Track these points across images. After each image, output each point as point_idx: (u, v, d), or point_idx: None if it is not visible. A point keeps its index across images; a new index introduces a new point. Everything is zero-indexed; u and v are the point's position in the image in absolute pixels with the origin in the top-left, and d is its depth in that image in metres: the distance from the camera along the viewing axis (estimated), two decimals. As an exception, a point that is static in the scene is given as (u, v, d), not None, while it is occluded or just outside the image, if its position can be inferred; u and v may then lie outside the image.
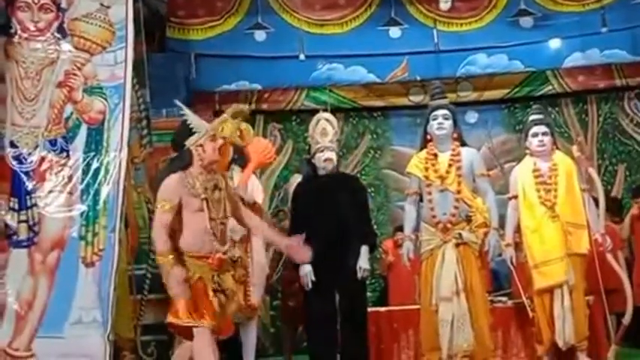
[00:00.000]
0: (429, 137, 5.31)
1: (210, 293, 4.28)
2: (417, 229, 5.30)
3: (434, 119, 5.25)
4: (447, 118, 5.24)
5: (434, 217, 5.13)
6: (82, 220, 5.42)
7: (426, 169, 5.21)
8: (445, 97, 5.48)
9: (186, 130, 4.50)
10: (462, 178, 5.14)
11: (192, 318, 4.21)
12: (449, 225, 5.08)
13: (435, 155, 5.23)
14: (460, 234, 5.05)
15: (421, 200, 5.30)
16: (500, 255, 5.43)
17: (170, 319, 4.29)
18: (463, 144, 5.32)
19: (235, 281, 4.45)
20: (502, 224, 5.41)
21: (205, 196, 4.32)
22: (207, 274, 4.29)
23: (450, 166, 5.16)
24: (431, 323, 5.03)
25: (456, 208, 5.09)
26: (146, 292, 6.19)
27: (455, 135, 5.27)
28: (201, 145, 4.38)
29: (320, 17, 7.63)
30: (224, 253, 4.33)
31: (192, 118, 4.49)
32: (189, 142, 4.44)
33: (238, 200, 4.73)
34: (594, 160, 8.00)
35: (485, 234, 5.14)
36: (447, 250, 5.04)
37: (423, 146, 5.35)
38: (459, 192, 5.10)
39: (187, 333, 4.31)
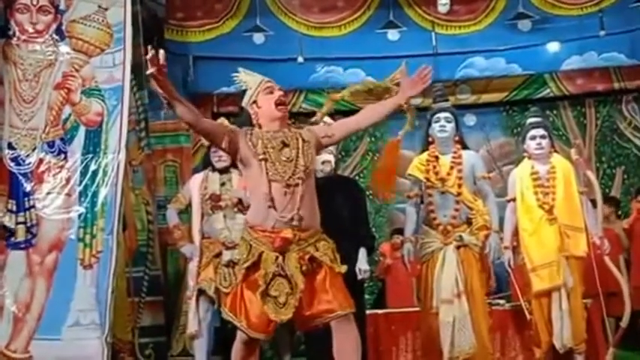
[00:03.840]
0: (430, 140, 5.31)
1: (263, 286, 3.62)
2: (417, 231, 5.30)
3: (436, 122, 5.25)
4: (449, 121, 5.24)
5: (434, 219, 5.13)
6: (80, 222, 5.43)
7: (427, 171, 5.21)
8: (447, 100, 5.49)
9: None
10: (463, 180, 5.13)
11: (236, 314, 3.70)
12: (449, 227, 5.08)
13: (437, 157, 5.23)
14: (461, 236, 5.05)
15: (422, 202, 5.29)
16: (499, 258, 5.43)
17: (222, 309, 3.90)
18: (465, 147, 5.32)
19: (302, 264, 3.66)
20: (501, 227, 5.41)
21: (265, 156, 3.70)
22: (269, 253, 3.65)
23: (451, 168, 5.16)
24: (431, 326, 5.02)
25: (456, 210, 5.09)
26: (144, 294, 6.20)
27: (457, 138, 5.28)
28: (255, 102, 3.90)
29: (318, 20, 7.63)
30: (298, 223, 3.64)
31: (242, 77, 4.00)
32: (244, 102, 3.96)
33: (323, 132, 3.99)
34: (592, 163, 8.00)
35: (486, 236, 5.14)
36: (447, 253, 5.03)
37: (425, 148, 5.35)
38: (459, 194, 5.10)
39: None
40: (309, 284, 3.69)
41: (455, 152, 5.22)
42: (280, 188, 3.68)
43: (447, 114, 5.26)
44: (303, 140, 3.84)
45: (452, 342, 4.91)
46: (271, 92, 3.87)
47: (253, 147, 3.76)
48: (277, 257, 3.64)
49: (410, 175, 5.38)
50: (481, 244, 5.09)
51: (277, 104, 3.84)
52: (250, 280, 3.70)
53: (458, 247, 5.04)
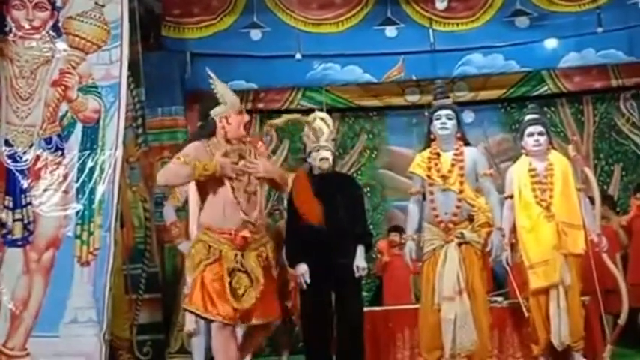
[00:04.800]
0: (432, 137, 5.29)
1: (226, 278, 4.04)
2: (420, 229, 5.28)
3: (437, 119, 5.23)
4: (450, 118, 5.21)
5: (436, 216, 5.11)
6: (77, 219, 5.42)
7: (429, 168, 5.19)
8: (448, 97, 5.47)
9: (213, 100, 4.37)
10: (465, 177, 5.11)
11: (207, 310, 4.05)
12: (451, 225, 5.06)
13: (438, 155, 5.21)
14: (462, 233, 5.03)
15: (424, 199, 5.28)
16: (498, 255, 5.40)
17: (186, 305, 4.21)
18: (467, 143, 5.30)
19: (260, 261, 4.17)
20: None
21: None
22: (228, 252, 4.09)
23: (452, 165, 5.14)
24: (432, 323, 5.00)
25: (458, 207, 5.07)
26: (142, 291, 6.19)
27: (458, 135, 5.26)
28: (226, 118, 4.26)
29: (316, 16, 7.61)
30: (253, 225, 4.10)
31: (221, 88, 4.33)
32: (214, 113, 4.29)
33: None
34: (590, 160, 8.00)
35: (488, 234, 5.12)
36: (449, 250, 5.01)
37: (427, 146, 5.34)
38: (461, 192, 5.07)
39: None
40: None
41: (456, 149, 5.20)
42: (241, 194, 4.12)
43: (449, 111, 5.24)
44: (257, 156, 4.31)
45: (453, 339, 4.90)
46: (241, 113, 4.30)
47: (212, 156, 4.18)
48: (236, 254, 4.07)
49: (411, 172, 5.37)
50: (483, 241, 5.09)
51: (245, 125, 4.31)
52: (212, 275, 4.06)
53: (459, 245, 5.03)
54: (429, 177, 5.18)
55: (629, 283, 6.16)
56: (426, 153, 5.27)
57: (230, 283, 4.05)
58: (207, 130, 4.41)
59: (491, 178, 5.30)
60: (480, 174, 5.19)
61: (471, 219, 5.11)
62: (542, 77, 8.04)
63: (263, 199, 4.38)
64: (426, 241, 5.16)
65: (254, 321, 4.20)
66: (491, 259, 5.26)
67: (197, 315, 4.22)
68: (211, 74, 4.45)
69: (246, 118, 4.26)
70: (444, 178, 5.12)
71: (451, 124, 5.20)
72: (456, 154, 5.18)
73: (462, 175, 5.11)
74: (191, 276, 4.26)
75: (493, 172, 5.56)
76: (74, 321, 5.24)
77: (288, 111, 8.24)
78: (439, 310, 4.95)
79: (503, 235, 5.25)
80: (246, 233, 4.07)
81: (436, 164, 5.17)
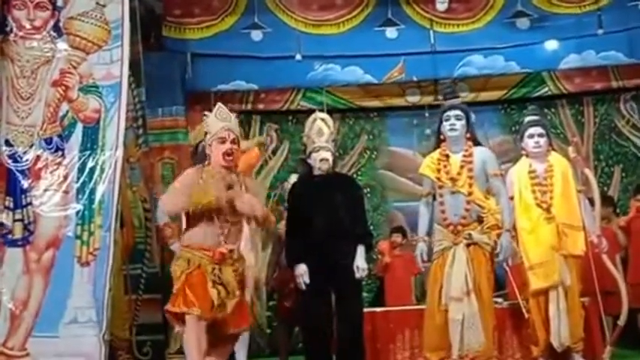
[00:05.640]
0: (442, 137, 5.28)
1: (209, 284, 4.26)
2: (430, 231, 5.26)
3: (446, 120, 5.20)
4: (459, 119, 5.18)
5: (445, 219, 5.10)
6: (77, 219, 5.41)
7: (438, 170, 5.17)
8: (457, 97, 5.44)
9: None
10: (474, 179, 5.09)
11: (186, 305, 4.24)
12: (460, 227, 5.04)
13: (447, 156, 5.19)
14: (470, 234, 5.01)
15: (434, 200, 5.26)
16: (504, 258, 5.36)
17: (167, 306, 4.37)
18: (477, 143, 5.29)
19: (236, 276, 4.40)
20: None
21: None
22: (206, 266, 4.29)
23: (461, 167, 5.12)
24: (438, 323, 4.99)
25: (467, 210, 5.05)
26: (141, 291, 6.19)
27: (468, 135, 5.24)
28: (210, 145, 4.43)
29: (317, 17, 7.63)
30: (230, 251, 4.33)
31: (209, 120, 4.49)
32: (206, 140, 4.50)
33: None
34: (590, 161, 8.01)
35: (498, 236, 5.10)
36: (457, 251, 5.00)
37: (437, 146, 5.32)
38: (470, 194, 5.06)
39: (182, 319, 4.34)
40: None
41: (466, 150, 5.18)
42: (224, 224, 4.32)
43: (457, 111, 5.20)
44: (246, 187, 4.44)
45: (461, 339, 4.89)
46: (223, 142, 4.39)
47: (204, 183, 4.33)
48: (214, 268, 4.29)
49: (421, 174, 5.36)
50: (493, 243, 5.05)
51: (224, 155, 4.37)
52: (194, 281, 4.27)
53: (467, 245, 5.02)
54: (438, 179, 5.16)
55: (629, 283, 6.16)
56: (436, 154, 5.25)
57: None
58: (199, 158, 4.67)
59: (501, 178, 5.26)
60: (490, 174, 5.16)
61: (480, 220, 5.08)
62: (543, 78, 8.06)
63: (243, 224, 4.59)
64: (435, 241, 5.15)
65: (230, 331, 4.44)
66: (498, 260, 5.22)
67: (176, 315, 4.32)
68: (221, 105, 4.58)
69: (227, 146, 4.37)
70: (453, 180, 5.10)
71: (460, 124, 5.17)
72: (465, 156, 5.15)
73: (470, 177, 5.08)
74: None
75: (503, 172, 5.52)
76: (74, 321, 5.23)
77: (288, 112, 8.26)
78: (446, 310, 4.95)
79: (513, 237, 5.24)
80: (223, 249, 4.30)
81: (445, 166, 5.15)
